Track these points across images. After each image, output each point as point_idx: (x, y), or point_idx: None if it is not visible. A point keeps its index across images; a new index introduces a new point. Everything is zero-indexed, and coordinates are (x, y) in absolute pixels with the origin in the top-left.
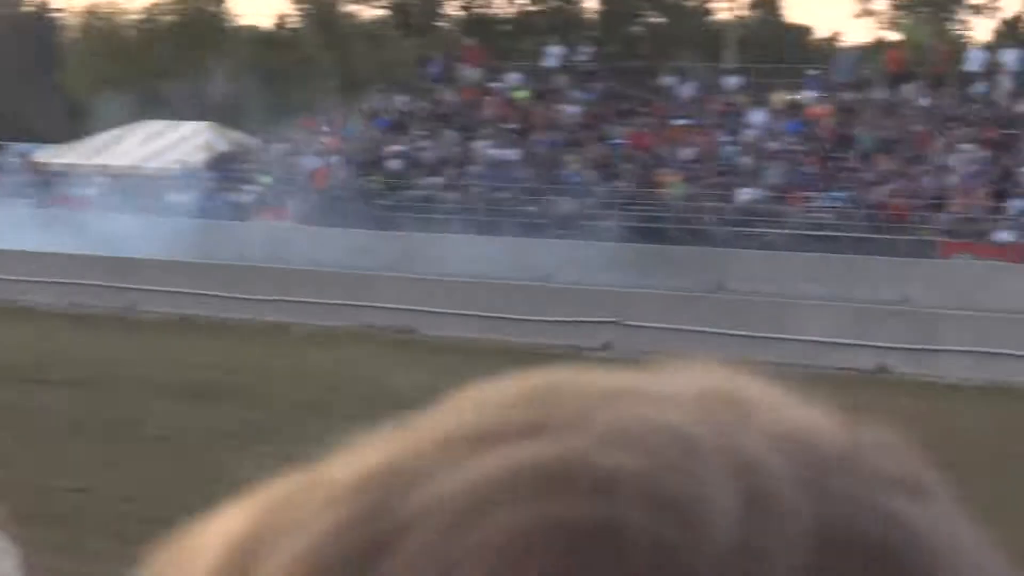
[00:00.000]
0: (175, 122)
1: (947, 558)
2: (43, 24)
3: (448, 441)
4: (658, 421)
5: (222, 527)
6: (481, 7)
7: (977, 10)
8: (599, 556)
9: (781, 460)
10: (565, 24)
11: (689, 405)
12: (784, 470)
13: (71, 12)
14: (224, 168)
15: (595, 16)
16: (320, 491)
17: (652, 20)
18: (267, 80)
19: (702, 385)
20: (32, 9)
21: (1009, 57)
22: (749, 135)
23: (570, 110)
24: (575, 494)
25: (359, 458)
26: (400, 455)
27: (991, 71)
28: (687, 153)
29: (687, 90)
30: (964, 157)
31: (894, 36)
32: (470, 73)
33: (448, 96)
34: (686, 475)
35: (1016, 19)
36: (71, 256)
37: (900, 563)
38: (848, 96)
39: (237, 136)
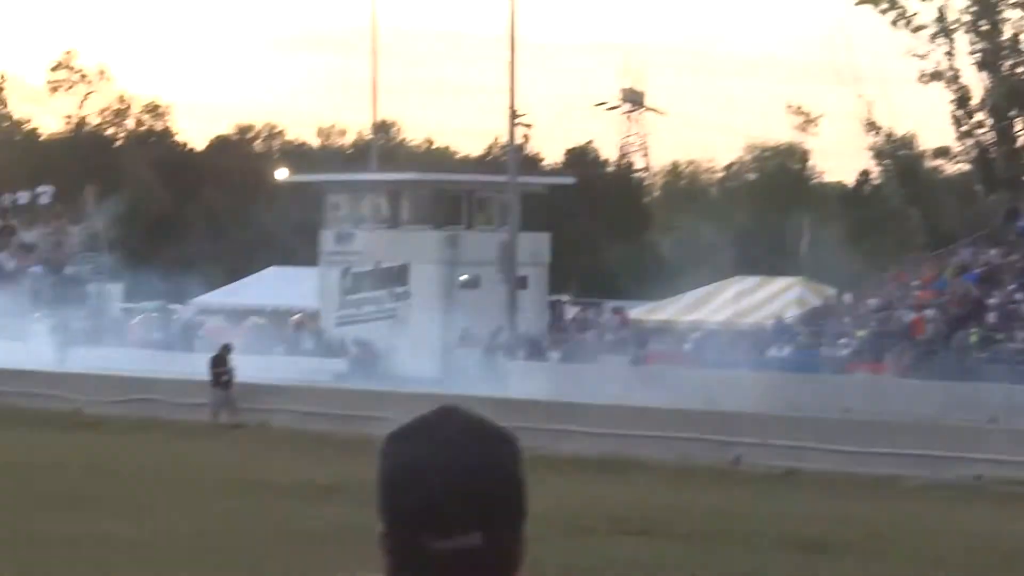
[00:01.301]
0: (766, 278)
1: None
2: (629, 182)
3: None
4: None
5: None
6: None
7: None
8: None
9: None
10: None
11: None
12: None
13: (655, 171)
14: (818, 322)
15: None
16: None
17: None
18: (852, 235)
19: None
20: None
21: None
22: None
23: None
24: None
25: None
26: None
27: None
28: None
29: None
30: None
31: None
32: None
33: None
34: None
35: None
36: (672, 411)
37: None
38: None
39: (827, 290)
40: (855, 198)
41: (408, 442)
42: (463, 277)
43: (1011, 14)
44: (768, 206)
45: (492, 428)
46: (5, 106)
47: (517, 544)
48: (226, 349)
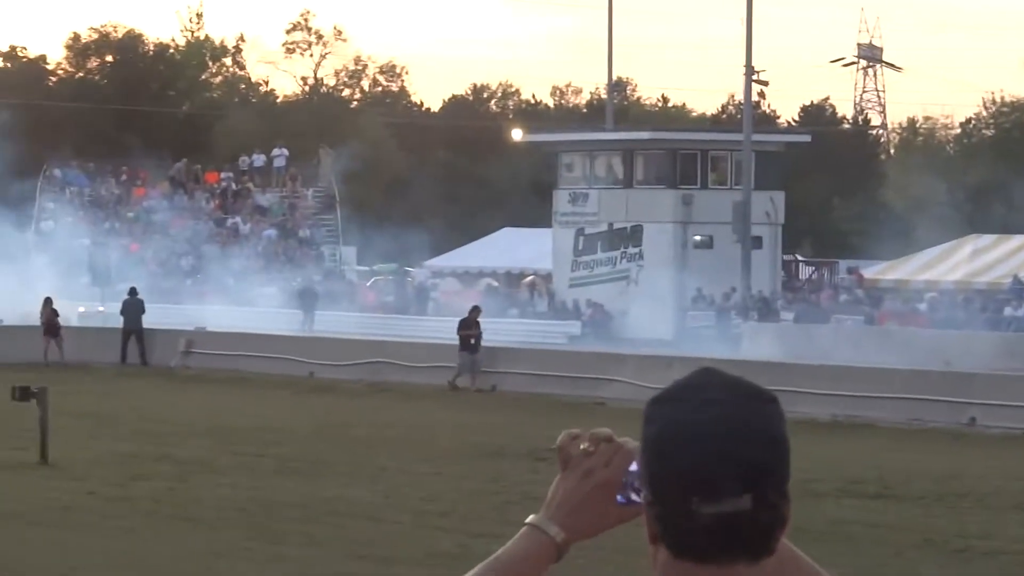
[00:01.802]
0: (1003, 236)
1: None
2: (864, 139)
3: None
4: None
5: None
6: None
7: None
8: None
9: None
10: None
11: None
12: None
13: (891, 128)
14: None
15: None
16: None
17: None
18: None
19: None
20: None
21: None
22: None
23: None
24: None
25: None
26: None
27: None
28: None
29: None
30: None
31: None
32: None
33: None
34: None
35: None
36: (906, 371)
37: None
38: None
39: None
40: None
41: (673, 406)
42: (697, 237)
43: None
44: (1005, 163)
45: (755, 388)
46: (242, 69)
47: (784, 506)
48: (476, 311)
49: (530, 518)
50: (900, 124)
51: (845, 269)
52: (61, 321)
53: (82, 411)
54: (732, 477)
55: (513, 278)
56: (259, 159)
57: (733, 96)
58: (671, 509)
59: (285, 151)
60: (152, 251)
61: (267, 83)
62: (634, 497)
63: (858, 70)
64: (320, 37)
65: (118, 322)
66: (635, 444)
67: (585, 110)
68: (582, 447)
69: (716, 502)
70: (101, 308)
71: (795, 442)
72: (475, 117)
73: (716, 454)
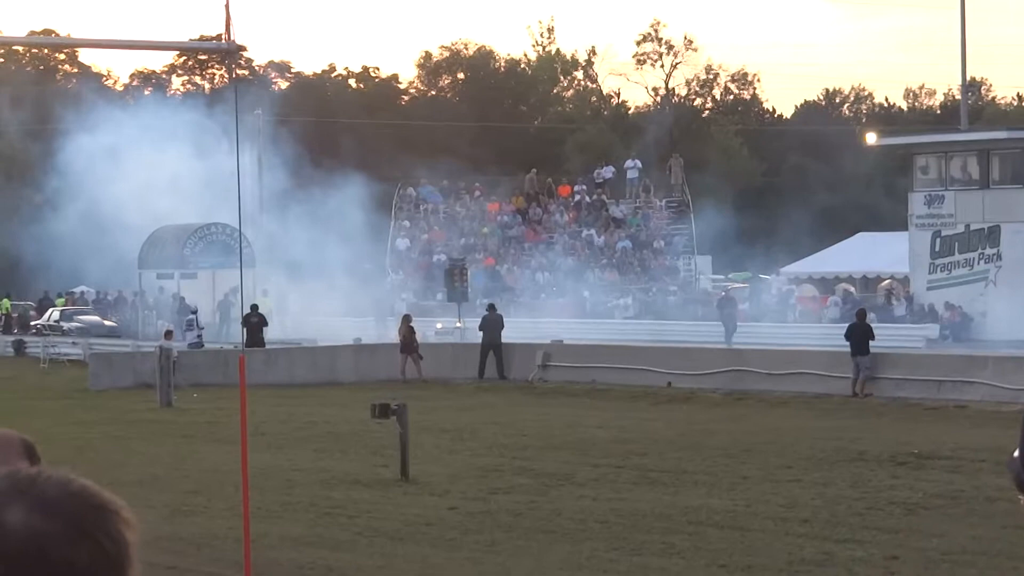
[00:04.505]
0: None
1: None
2: None
3: None
4: None
5: None
6: None
7: None
8: None
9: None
10: None
11: None
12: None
13: None
14: None
15: None
16: None
17: None
18: None
19: None
20: None
21: None
22: None
23: None
24: None
25: None
26: None
27: None
28: None
29: None
30: None
31: None
32: None
33: None
34: None
35: None
36: None
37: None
38: None
39: None
40: None
41: None
42: None
43: None
44: None
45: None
46: (594, 82)
47: None
48: (862, 315)
49: None
50: None
51: None
52: (419, 338)
53: (441, 427)
54: None
55: (870, 282)
56: (610, 170)
57: None
58: None
59: (638, 162)
60: (507, 265)
61: (618, 95)
62: None
63: None
64: (671, 47)
65: (475, 338)
66: None
67: (939, 111)
68: None
69: None
70: (459, 324)
71: None
72: (828, 122)
73: None
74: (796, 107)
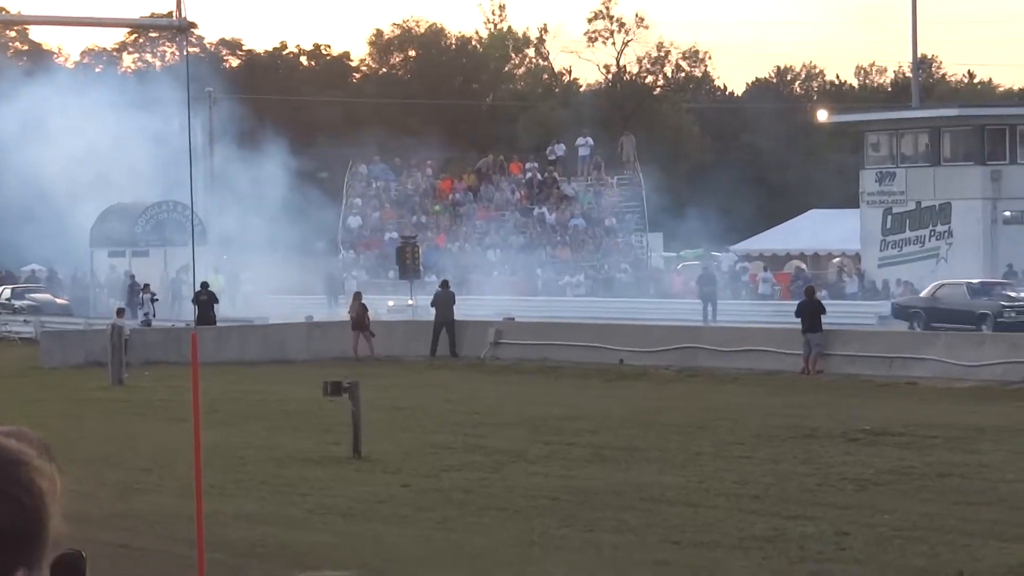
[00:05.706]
0: None
1: None
2: None
3: None
4: None
5: None
6: None
7: None
8: None
9: None
10: None
11: None
12: None
13: None
14: None
15: None
16: None
17: None
18: None
19: None
20: None
21: None
22: None
23: None
24: None
25: None
26: None
27: None
28: None
29: None
30: None
31: None
32: None
33: None
34: None
35: None
36: None
37: None
38: None
39: None
40: None
41: None
42: (1007, 213)
43: None
44: None
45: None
46: (545, 59)
47: None
48: (811, 292)
49: None
50: None
51: None
52: (371, 316)
53: (393, 404)
54: None
55: (821, 259)
56: (561, 148)
57: None
58: None
59: (589, 140)
60: (459, 243)
61: (570, 72)
62: None
63: None
64: (622, 25)
65: (428, 315)
66: None
67: (890, 89)
68: None
69: None
70: (410, 302)
71: None
72: (779, 99)
73: None
74: (747, 84)
